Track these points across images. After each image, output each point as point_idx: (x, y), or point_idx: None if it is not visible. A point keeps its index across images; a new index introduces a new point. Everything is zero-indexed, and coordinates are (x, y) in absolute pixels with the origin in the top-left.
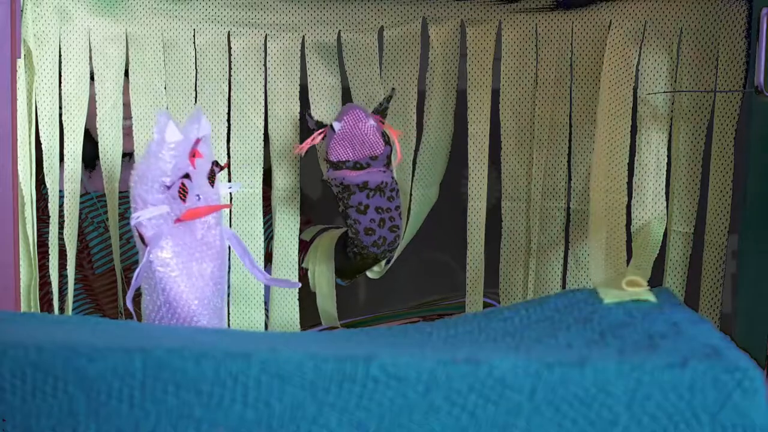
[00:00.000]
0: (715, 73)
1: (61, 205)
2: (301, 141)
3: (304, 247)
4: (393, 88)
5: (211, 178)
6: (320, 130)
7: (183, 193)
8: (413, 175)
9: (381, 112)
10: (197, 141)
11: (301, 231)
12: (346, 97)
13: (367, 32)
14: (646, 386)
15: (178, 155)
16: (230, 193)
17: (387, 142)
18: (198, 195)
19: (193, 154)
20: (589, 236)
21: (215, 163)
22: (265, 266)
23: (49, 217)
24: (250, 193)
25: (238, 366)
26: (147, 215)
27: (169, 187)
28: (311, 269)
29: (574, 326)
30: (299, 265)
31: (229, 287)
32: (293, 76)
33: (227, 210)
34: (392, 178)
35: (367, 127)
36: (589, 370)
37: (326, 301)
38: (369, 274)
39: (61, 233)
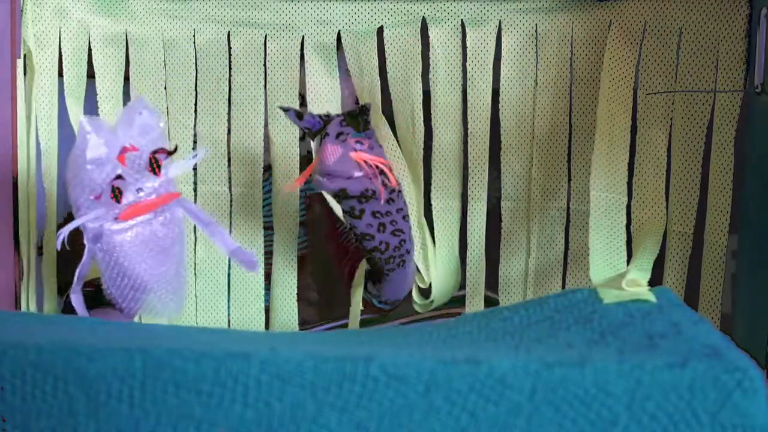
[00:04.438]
0: (715, 73)
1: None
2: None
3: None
4: (367, 104)
5: (154, 168)
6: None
7: (116, 195)
8: (431, 184)
9: (352, 119)
10: (124, 149)
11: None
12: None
13: (367, 32)
14: (646, 386)
15: (104, 166)
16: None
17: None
18: (139, 188)
19: (123, 152)
20: (589, 236)
21: (155, 152)
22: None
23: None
24: (250, 193)
25: (238, 366)
26: (71, 227)
27: (99, 197)
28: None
29: (574, 326)
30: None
31: (229, 287)
32: (293, 76)
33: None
34: (384, 186)
35: (335, 158)
36: (589, 370)
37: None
38: (416, 307)
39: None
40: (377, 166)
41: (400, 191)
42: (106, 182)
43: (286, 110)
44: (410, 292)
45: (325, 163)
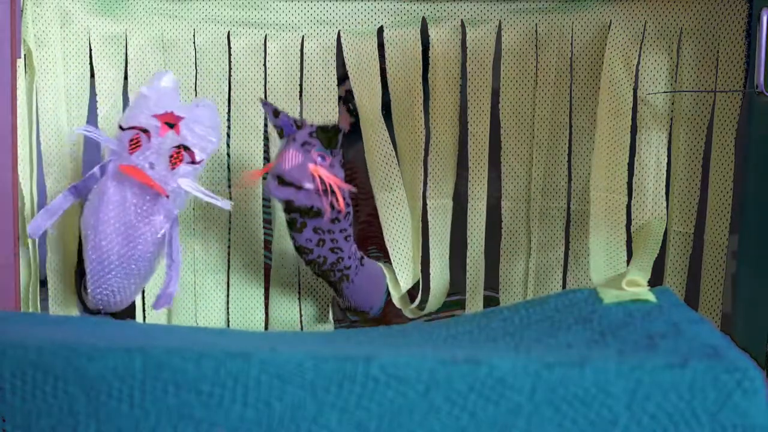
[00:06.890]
0: (715, 73)
1: None
2: None
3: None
4: (341, 126)
5: (174, 160)
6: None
7: (133, 145)
8: (425, 183)
9: (322, 133)
10: (169, 114)
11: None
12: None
13: (367, 32)
14: (646, 386)
15: (148, 106)
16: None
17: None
18: (151, 163)
19: (166, 121)
20: (589, 236)
21: (181, 147)
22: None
23: None
24: (251, 193)
25: (238, 366)
26: (91, 133)
27: (122, 128)
28: None
29: (574, 326)
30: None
31: (229, 287)
32: (293, 76)
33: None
34: (332, 207)
35: (293, 164)
36: (589, 370)
37: None
38: (406, 313)
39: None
40: (330, 186)
41: (348, 213)
42: (137, 121)
43: (264, 104)
44: (390, 303)
45: (282, 166)
